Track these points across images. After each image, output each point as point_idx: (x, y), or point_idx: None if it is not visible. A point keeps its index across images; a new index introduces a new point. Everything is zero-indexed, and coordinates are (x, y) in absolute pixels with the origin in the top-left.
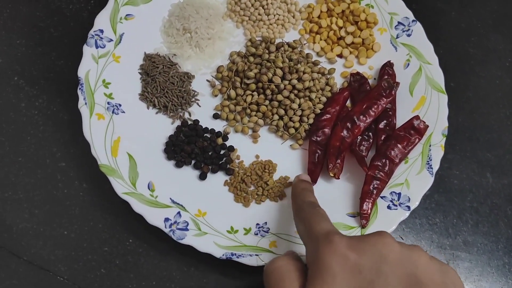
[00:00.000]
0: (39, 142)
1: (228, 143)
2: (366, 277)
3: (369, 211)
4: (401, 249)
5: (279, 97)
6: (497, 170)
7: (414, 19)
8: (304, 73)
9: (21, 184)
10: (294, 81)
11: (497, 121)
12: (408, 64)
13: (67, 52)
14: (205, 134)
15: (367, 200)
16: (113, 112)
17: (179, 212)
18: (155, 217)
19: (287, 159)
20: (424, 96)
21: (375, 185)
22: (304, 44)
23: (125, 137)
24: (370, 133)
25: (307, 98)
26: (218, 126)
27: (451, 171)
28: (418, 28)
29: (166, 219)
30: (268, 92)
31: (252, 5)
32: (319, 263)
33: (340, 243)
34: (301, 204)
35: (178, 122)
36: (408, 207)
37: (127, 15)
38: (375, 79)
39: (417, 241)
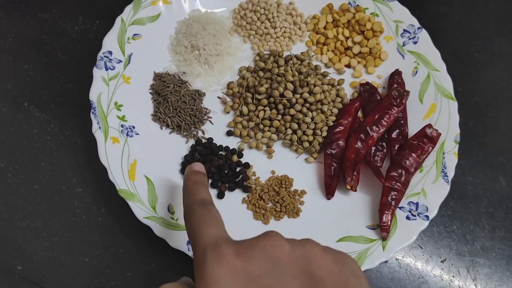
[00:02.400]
0: (54, 169)
1: (243, 160)
2: (259, 284)
3: (389, 223)
4: (292, 248)
5: (292, 111)
6: (509, 174)
7: (420, 26)
8: (314, 85)
9: (38, 213)
10: (306, 95)
11: (507, 124)
12: (416, 72)
13: (76, 74)
14: (220, 152)
15: (386, 211)
16: (127, 134)
17: None
18: (177, 241)
19: (302, 173)
20: (434, 104)
21: (393, 196)
22: (312, 56)
23: (141, 160)
24: (384, 143)
25: (319, 110)
26: (232, 143)
27: (464, 177)
28: (424, 35)
29: (189, 242)
30: (280, 106)
31: (258, 19)
32: (206, 278)
33: (228, 253)
34: (192, 203)
35: (192, 141)
36: (427, 216)
37: (134, 34)
38: (384, 88)
39: (436, 249)
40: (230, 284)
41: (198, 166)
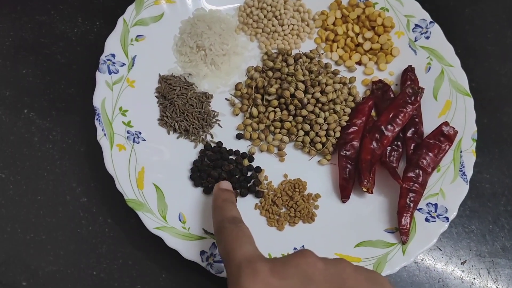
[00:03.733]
0: (57, 178)
1: (254, 164)
2: None
3: (408, 225)
4: (326, 266)
5: (304, 112)
6: None
7: (432, 20)
8: (326, 84)
9: (42, 225)
10: (318, 94)
11: None
12: (430, 68)
13: (77, 79)
14: (230, 156)
15: (405, 214)
16: (133, 141)
17: (214, 243)
18: (190, 251)
19: (316, 176)
20: (449, 100)
21: (411, 198)
22: (322, 53)
23: (149, 167)
24: (399, 143)
25: (332, 110)
26: (243, 146)
27: (481, 175)
28: (436, 30)
29: (202, 252)
30: (292, 107)
31: (265, 16)
32: None
33: (263, 271)
34: (222, 220)
35: (200, 146)
36: (447, 218)
37: (137, 36)
38: (396, 85)
39: (455, 250)
40: None
41: (226, 185)
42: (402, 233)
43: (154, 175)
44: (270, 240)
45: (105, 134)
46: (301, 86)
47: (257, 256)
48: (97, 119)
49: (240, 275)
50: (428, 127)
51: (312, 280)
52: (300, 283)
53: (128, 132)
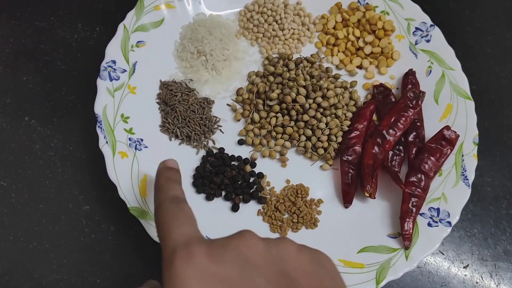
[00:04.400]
0: (59, 186)
1: (256, 170)
2: (231, 287)
3: (411, 231)
4: (267, 248)
5: (305, 117)
6: None
7: (432, 23)
8: (328, 89)
9: (45, 233)
10: (319, 99)
11: None
12: (430, 71)
13: (77, 85)
14: (232, 162)
15: (407, 219)
16: (135, 148)
17: None
18: None
19: (318, 181)
20: (450, 104)
21: (414, 203)
22: (322, 57)
23: (152, 174)
24: (401, 147)
25: (333, 115)
26: (244, 152)
27: (483, 178)
28: (437, 33)
29: None
30: (293, 112)
31: (265, 20)
32: (174, 280)
33: (198, 254)
34: (163, 200)
35: (202, 152)
36: (449, 222)
37: (138, 42)
38: (397, 88)
39: (457, 254)
40: (199, 287)
41: (172, 162)
42: (405, 238)
43: None
44: None
45: (107, 142)
46: (303, 91)
47: (194, 238)
48: (98, 126)
49: (174, 258)
50: (429, 131)
51: (251, 264)
52: (238, 267)
53: (130, 139)
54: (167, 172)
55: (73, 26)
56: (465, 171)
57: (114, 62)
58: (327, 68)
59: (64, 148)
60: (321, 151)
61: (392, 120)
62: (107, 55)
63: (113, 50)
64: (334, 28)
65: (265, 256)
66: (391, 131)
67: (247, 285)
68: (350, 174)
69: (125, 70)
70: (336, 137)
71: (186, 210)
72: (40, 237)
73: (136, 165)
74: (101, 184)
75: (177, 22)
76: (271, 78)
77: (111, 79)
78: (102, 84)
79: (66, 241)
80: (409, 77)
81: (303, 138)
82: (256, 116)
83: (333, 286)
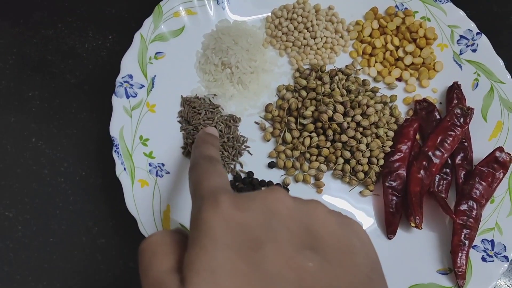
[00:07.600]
0: (71, 217)
1: None
2: (253, 235)
3: (464, 267)
4: (295, 203)
5: (343, 137)
6: None
7: (479, 31)
8: (367, 106)
9: (56, 271)
10: (359, 117)
11: None
12: (477, 84)
13: (89, 101)
14: (262, 188)
15: (460, 254)
16: (156, 174)
17: None
18: None
19: (357, 209)
20: (500, 121)
21: (466, 235)
22: (359, 69)
23: (175, 205)
24: (447, 170)
25: (374, 135)
26: (276, 176)
27: None
28: (484, 42)
29: None
30: (330, 132)
31: (295, 28)
32: (199, 226)
33: (224, 202)
34: (197, 157)
35: (229, 177)
36: (506, 257)
37: (156, 53)
38: (440, 103)
39: None
40: (223, 234)
41: (212, 130)
42: (458, 276)
43: (180, 213)
44: None
45: (124, 169)
46: (340, 108)
47: (222, 189)
48: (115, 151)
49: (201, 208)
50: (477, 151)
51: (276, 215)
52: (262, 217)
53: (150, 164)
54: (205, 136)
55: (83, 34)
56: None
57: (130, 76)
58: (364, 80)
59: (75, 173)
60: (361, 175)
61: (438, 140)
62: (122, 69)
63: (129, 63)
64: (370, 35)
65: (292, 210)
66: (437, 152)
67: (270, 235)
68: (394, 202)
69: (143, 86)
70: (378, 160)
71: (219, 168)
72: (51, 276)
73: (158, 195)
74: (117, 213)
75: (199, 30)
76: (304, 93)
77: (127, 96)
78: (118, 102)
79: (80, 281)
80: (455, 91)
81: (340, 160)
82: (288, 136)
83: (362, 251)
